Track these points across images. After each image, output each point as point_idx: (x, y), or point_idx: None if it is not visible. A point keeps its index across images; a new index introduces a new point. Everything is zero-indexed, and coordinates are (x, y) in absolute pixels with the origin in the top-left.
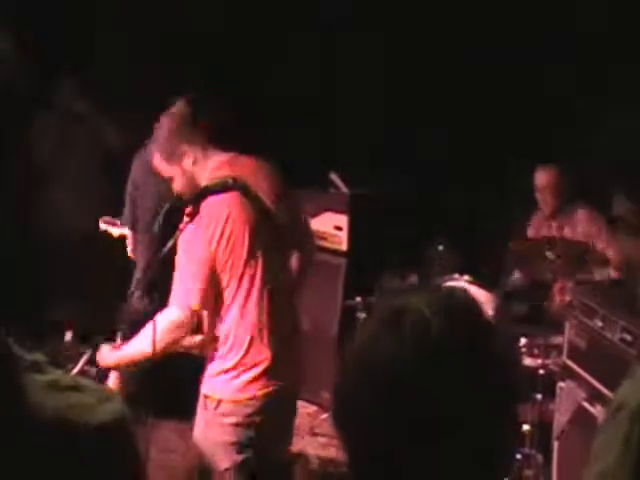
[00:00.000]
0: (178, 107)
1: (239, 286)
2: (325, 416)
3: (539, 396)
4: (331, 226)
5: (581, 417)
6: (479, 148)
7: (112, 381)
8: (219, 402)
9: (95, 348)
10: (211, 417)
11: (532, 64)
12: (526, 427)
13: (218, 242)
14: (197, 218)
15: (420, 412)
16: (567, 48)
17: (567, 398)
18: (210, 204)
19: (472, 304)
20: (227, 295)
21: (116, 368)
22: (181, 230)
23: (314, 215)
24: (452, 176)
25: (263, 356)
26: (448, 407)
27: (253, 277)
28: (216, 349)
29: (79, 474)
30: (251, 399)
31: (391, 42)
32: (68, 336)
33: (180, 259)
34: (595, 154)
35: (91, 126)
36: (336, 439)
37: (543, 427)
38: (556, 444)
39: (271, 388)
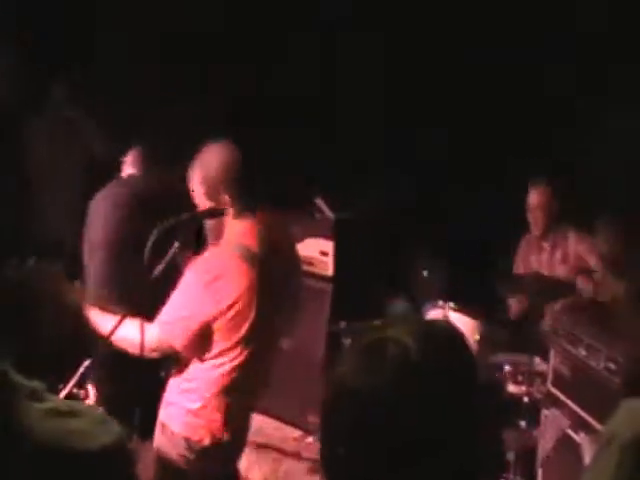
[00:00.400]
0: (231, 151)
1: (227, 351)
2: (311, 440)
3: (523, 423)
4: (317, 251)
5: (565, 444)
6: (479, 148)
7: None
8: (173, 434)
9: (86, 370)
10: (165, 443)
11: (532, 64)
12: (510, 454)
13: (225, 311)
14: (204, 270)
15: (401, 436)
16: (567, 48)
17: (551, 425)
18: (223, 267)
19: (452, 331)
20: (212, 349)
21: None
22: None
23: (300, 240)
24: (452, 176)
25: (217, 417)
26: (429, 430)
27: (244, 349)
28: (180, 376)
29: None
30: (200, 441)
31: (391, 42)
32: None
33: (179, 298)
34: (593, 164)
35: (80, 131)
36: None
37: (527, 454)
38: (540, 471)
39: (221, 441)
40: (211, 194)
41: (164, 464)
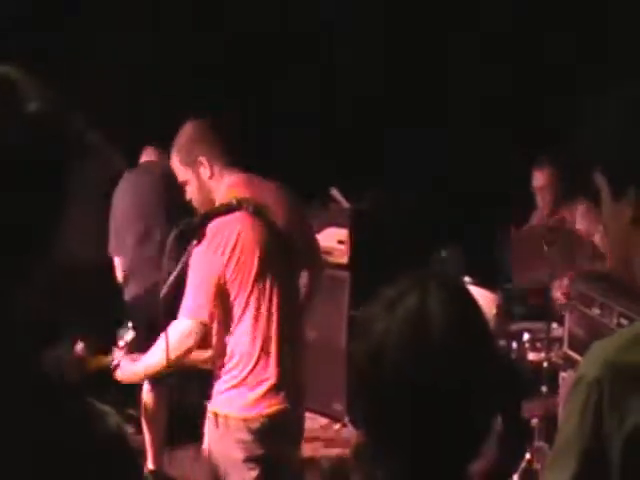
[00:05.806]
0: (202, 120)
1: (247, 304)
2: (338, 427)
3: (544, 389)
4: (334, 241)
5: None
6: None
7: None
8: (227, 418)
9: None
10: (220, 434)
11: (532, 62)
12: (534, 420)
13: (228, 260)
14: (205, 239)
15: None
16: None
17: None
18: (218, 225)
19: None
20: (235, 312)
21: (132, 381)
22: (190, 253)
23: (317, 231)
24: (452, 175)
25: (268, 374)
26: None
27: (261, 296)
28: (223, 365)
29: None
30: (258, 417)
31: (391, 42)
32: (79, 346)
33: (190, 276)
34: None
35: (101, 157)
36: (349, 449)
37: (550, 420)
38: None
39: (276, 407)
40: (186, 160)
41: (222, 457)
